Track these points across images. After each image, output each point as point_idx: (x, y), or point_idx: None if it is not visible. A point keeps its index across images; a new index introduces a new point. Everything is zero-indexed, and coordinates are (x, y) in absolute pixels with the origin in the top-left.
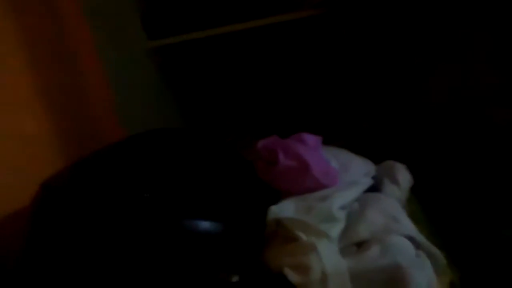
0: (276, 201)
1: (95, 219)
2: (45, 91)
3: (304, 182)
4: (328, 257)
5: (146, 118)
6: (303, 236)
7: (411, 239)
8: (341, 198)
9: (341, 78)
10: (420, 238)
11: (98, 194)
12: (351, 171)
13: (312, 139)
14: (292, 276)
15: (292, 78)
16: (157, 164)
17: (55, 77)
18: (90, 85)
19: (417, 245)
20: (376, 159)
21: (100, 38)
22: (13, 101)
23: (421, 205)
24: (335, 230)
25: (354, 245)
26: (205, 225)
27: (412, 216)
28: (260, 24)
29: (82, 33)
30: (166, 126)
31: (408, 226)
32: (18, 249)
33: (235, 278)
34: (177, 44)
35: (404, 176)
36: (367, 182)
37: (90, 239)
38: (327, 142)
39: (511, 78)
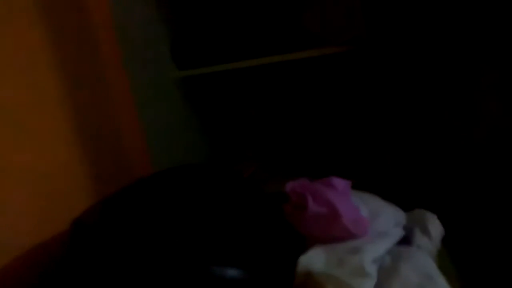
0: (302, 247)
1: (125, 261)
2: (77, 121)
3: (333, 230)
4: None
5: (171, 143)
6: None
7: None
8: (373, 251)
9: (366, 116)
10: None
11: (128, 235)
12: (381, 220)
13: (341, 184)
14: None
15: (316, 113)
16: (185, 204)
17: (89, 105)
18: (121, 115)
19: None
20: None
21: (131, 65)
22: (46, 130)
23: (451, 258)
24: (367, 286)
25: None
26: (231, 272)
27: (443, 271)
28: (289, 58)
29: (115, 61)
30: (190, 152)
31: (444, 286)
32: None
33: None
34: (204, 75)
35: (436, 228)
36: (399, 233)
37: (120, 280)
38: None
39: None
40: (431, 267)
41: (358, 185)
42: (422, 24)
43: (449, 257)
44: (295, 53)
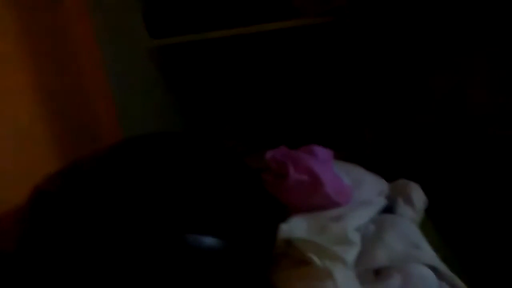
0: (283, 216)
1: (91, 229)
2: (42, 87)
3: (315, 199)
4: (345, 284)
5: (145, 117)
6: (316, 260)
7: (433, 269)
8: (356, 219)
9: (344, 86)
10: (443, 268)
11: (95, 203)
12: (363, 189)
13: (323, 153)
14: None
15: (294, 85)
16: (157, 171)
17: (54, 74)
18: (90, 83)
19: (439, 275)
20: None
21: (102, 34)
22: (9, 97)
23: (435, 228)
24: (351, 254)
25: (370, 272)
26: (208, 241)
27: (427, 240)
28: (266, 29)
29: (84, 28)
30: (165, 126)
31: (430, 254)
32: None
33: None
34: (180, 45)
35: (418, 197)
36: (382, 202)
37: (83, 248)
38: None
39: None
40: (416, 234)
41: (341, 157)
42: None
43: (433, 227)
44: (273, 24)
